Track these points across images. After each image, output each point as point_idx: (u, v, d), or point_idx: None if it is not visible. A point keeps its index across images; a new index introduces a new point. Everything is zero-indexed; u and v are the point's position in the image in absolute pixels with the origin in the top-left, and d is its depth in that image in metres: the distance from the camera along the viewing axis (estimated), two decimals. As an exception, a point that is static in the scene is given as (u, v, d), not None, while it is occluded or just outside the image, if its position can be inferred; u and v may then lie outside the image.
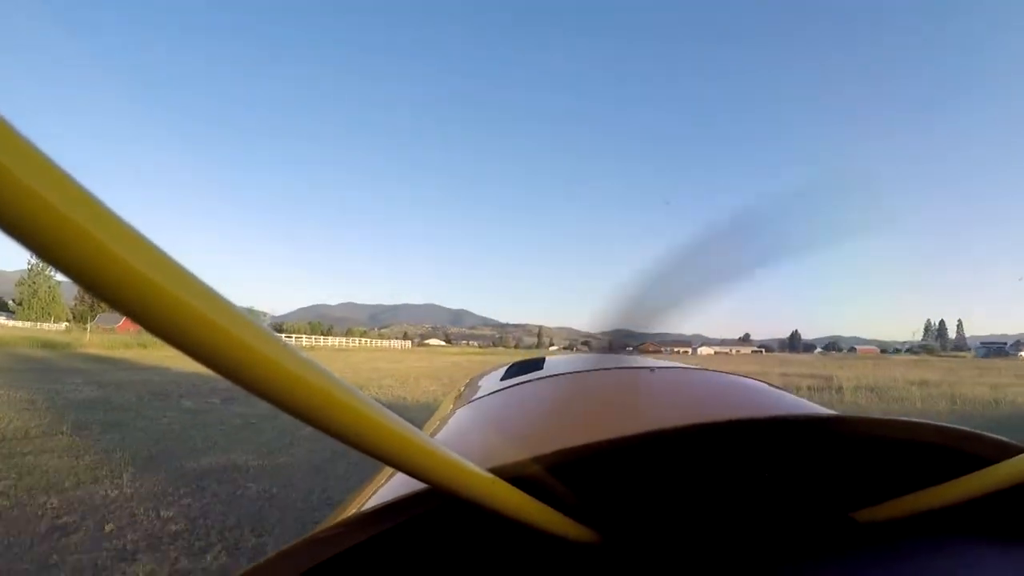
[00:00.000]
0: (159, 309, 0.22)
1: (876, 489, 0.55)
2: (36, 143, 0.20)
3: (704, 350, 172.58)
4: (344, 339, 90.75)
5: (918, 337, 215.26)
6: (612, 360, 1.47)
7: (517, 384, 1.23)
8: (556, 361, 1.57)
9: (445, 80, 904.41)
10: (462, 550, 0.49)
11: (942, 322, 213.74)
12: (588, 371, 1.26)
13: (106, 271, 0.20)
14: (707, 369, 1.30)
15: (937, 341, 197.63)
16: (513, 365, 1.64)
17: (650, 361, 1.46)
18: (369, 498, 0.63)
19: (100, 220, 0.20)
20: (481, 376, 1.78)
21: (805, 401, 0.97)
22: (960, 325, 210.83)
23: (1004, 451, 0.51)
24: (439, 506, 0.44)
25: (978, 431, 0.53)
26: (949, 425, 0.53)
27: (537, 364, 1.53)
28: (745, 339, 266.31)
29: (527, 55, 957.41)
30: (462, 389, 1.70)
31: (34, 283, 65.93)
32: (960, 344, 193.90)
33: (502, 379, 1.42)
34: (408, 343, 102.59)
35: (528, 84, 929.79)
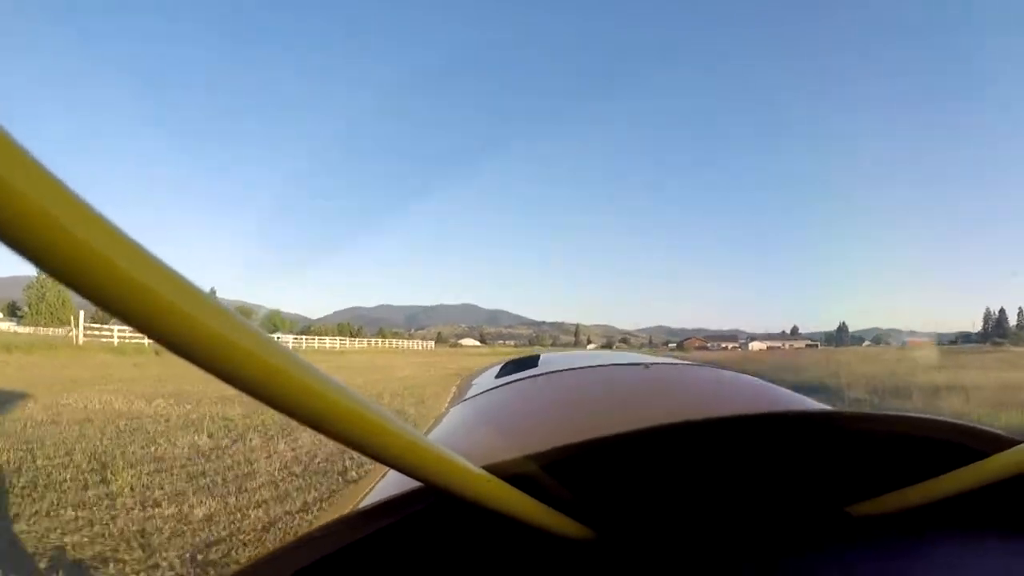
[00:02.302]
0: (153, 314, 0.22)
1: (871, 483, 0.54)
2: (36, 151, 0.19)
3: (756, 344, 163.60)
4: (373, 340, 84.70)
5: (977, 327, 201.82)
6: (607, 357, 1.49)
7: (512, 382, 1.21)
8: (551, 358, 1.54)
9: (477, 81, 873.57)
10: (457, 548, 0.48)
11: (1002, 310, 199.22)
12: (583, 368, 1.24)
13: (96, 273, 0.20)
14: (703, 365, 1.28)
15: (995, 331, 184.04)
16: (508, 363, 1.60)
17: (646, 358, 1.44)
18: (364, 496, 0.63)
19: (88, 222, 0.20)
20: (476, 374, 1.74)
21: (801, 396, 0.97)
22: (1021, 313, 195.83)
23: (998, 444, 0.51)
24: (434, 504, 0.44)
25: (972, 424, 0.53)
26: (943, 418, 0.54)
27: (532, 362, 1.51)
28: (794, 332, 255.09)
29: (561, 56, 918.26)
30: (457, 388, 1.66)
31: (42, 287, 61.63)
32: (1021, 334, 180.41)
33: (497, 377, 1.39)
34: (432, 344, 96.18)
35: (560, 85, 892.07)
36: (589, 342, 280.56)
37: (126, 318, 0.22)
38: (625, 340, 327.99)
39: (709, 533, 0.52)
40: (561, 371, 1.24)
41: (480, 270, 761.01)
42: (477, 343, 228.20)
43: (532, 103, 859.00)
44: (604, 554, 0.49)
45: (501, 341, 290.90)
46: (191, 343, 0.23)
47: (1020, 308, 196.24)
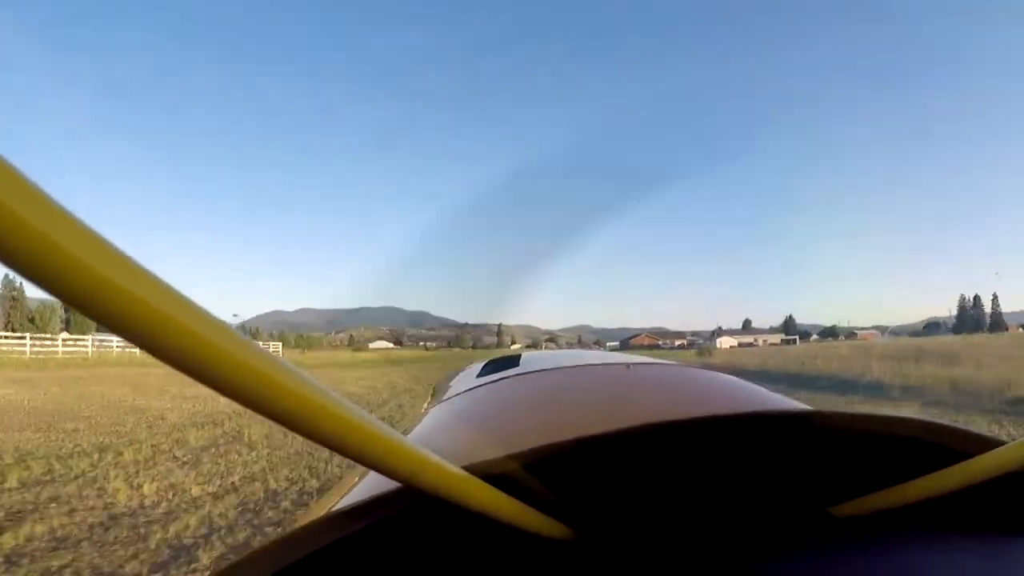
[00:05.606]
0: (133, 318, 0.21)
1: (854, 483, 0.53)
2: None
3: (725, 340, 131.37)
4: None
5: (953, 312, 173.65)
6: (589, 356, 1.45)
7: (493, 382, 1.18)
8: (532, 358, 1.50)
9: (409, 76, 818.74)
10: (437, 548, 0.47)
11: (976, 297, 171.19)
12: (564, 368, 1.21)
13: (79, 280, 0.19)
14: (685, 365, 1.25)
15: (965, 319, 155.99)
16: (489, 363, 1.57)
17: (627, 357, 1.39)
18: (343, 497, 0.60)
19: (68, 228, 0.19)
20: (457, 374, 1.69)
21: (782, 397, 0.95)
22: (995, 300, 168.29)
23: (982, 445, 0.49)
24: (413, 504, 0.43)
25: (956, 425, 0.53)
26: (927, 419, 0.53)
27: (513, 361, 1.47)
28: (746, 327, 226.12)
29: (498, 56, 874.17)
30: (437, 388, 1.62)
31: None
32: (997, 321, 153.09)
33: (478, 376, 1.35)
34: (279, 346, 65.80)
35: (497, 82, 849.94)
36: (513, 343, 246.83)
37: (110, 325, 0.21)
38: (552, 340, 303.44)
39: (690, 533, 0.50)
40: (542, 371, 1.21)
41: (403, 272, 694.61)
42: (390, 345, 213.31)
43: (458, 98, 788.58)
44: (585, 554, 0.48)
45: (422, 343, 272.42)
46: (168, 344, 0.22)
47: (994, 295, 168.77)
